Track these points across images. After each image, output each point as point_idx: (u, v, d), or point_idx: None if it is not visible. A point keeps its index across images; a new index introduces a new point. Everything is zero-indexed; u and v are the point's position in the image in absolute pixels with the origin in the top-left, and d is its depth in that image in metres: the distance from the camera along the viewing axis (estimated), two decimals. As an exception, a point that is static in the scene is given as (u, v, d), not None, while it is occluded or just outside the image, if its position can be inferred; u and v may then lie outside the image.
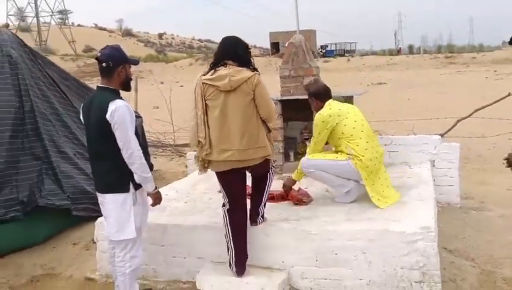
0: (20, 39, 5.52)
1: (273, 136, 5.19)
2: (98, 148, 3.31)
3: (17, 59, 5.24)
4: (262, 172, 3.74)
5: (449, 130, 7.89)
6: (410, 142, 5.50)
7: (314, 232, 3.58)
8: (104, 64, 3.27)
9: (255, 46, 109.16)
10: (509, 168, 2.70)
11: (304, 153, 5.76)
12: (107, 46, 3.46)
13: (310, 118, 5.59)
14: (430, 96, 19.60)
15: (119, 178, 3.27)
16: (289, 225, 3.72)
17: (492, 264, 4.11)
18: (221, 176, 3.65)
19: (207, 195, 4.78)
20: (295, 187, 4.49)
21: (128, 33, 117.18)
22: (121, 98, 3.30)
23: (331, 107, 4.28)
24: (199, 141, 3.57)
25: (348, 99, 5.62)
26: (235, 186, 3.65)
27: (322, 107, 4.31)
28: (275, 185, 4.19)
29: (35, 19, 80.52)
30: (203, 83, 3.54)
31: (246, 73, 3.49)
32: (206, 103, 3.54)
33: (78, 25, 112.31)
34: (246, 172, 3.67)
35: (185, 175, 7.37)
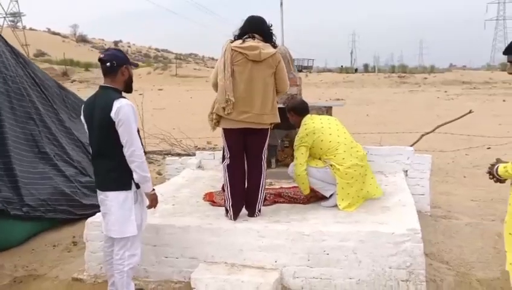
0: (3, 38, 5.43)
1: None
2: (101, 146, 3.34)
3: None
4: (259, 143, 4.16)
5: (414, 143, 8.29)
6: (385, 153, 5.77)
7: (307, 233, 3.74)
8: (108, 64, 3.33)
9: (212, 58, 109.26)
10: (493, 179, 2.95)
11: (283, 160, 5.97)
12: (109, 48, 3.57)
13: (292, 127, 5.79)
14: (387, 113, 20.32)
15: (121, 176, 3.32)
16: (283, 227, 3.85)
17: (465, 267, 4.38)
18: (230, 133, 4.09)
19: (193, 199, 4.85)
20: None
21: (82, 39, 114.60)
22: (124, 97, 3.36)
23: (306, 125, 4.49)
24: (227, 99, 3.93)
25: (328, 110, 5.87)
26: (238, 145, 4.11)
27: (300, 121, 4.55)
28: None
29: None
30: (233, 49, 3.97)
31: (271, 49, 4.04)
32: (232, 68, 3.96)
33: (30, 29, 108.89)
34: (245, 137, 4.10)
35: (160, 181, 7.40)
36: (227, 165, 4.16)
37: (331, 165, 4.36)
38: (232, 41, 4.05)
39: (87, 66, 52.25)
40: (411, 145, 8.11)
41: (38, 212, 5.06)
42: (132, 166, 3.31)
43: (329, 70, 61.58)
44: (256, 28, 4.06)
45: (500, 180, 2.84)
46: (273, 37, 4.14)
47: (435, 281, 3.96)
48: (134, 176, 3.35)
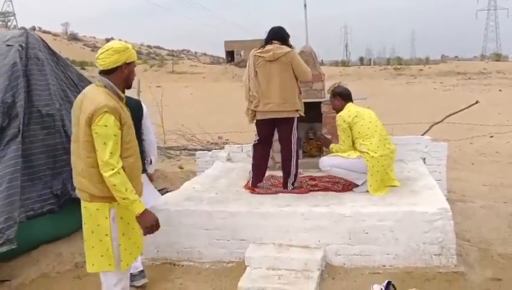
0: (45, 42, 5.79)
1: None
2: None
3: (44, 61, 5.51)
4: (287, 129, 4.95)
5: (425, 133, 8.74)
6: (405, 142, 6.20)
7: (348, 214, 4.17)
8: None
9: (205, 54, 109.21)
10: None
11: (309, 151, 6.39)
12: None
13: (315, 120, 6.22)
14: (388, 105, 20.74)
15: None
16: (325, 209, 4.28)
17: (486, 244, 4.83)
18: (260, 123, 5.01)
19: (232, 188, 5.26)
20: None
21: (74, 37, 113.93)
22: None
23: (349, 109, 4.92)
24: (251, 95, 4.90)
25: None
26: (266, 131, 5.04)
27: (343, 107, 4.94)
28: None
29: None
30: (255, 55, 4.92)
31: (285, 49, 4.82)
32: (256, 70, 4.87)
33: (21, 28, 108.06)
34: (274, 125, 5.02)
35: (186, 174, 7.82)
36: (254, 145, 5.17)
37: (363, 153, 4.76)
38: (257, 49, 4.96)
39: (83, 65, 52.33)
40: (422, 135, 8.58)
41: None
42: (155, 151, 4.29)
43: (322, 64, 62.13)
44: (273, 36, 4.94)
45: None
46: (289, 41, 4.95)
47: (462, 256, 4.40)
48: (153, 159, 4.28)
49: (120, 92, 2.97)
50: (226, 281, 4.11)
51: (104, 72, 2.96)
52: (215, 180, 5.66)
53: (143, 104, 4.26)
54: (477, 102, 8.96)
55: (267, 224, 4.30)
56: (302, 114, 5.00)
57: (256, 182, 5.12)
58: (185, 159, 9.77)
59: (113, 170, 2.77)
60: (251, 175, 5.18)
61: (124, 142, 2.87)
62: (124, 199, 2.81)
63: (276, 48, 4.82)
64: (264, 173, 5.22)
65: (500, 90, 27.28)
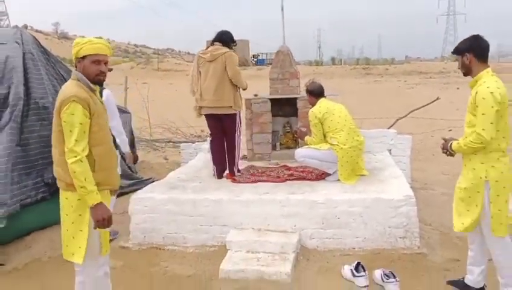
0: (37, 39, 5.64)
1: (263, 128, 5.85)
2: None
3: (37, 57, 5.39)
4: (230, 124, 5.07)
5: (390, 126, 8.82)
6: (372, 135, 6.25)
7: (321, 201, 4.19)
8: None
9: (188, 53, 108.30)
10: (446, 153, 3.37)
11: (285, 144, 6.39)
12: None
13: (292, 114, 6.23)
14: (357, 102, 20.85)
15: None
16: (300, 197, 4.29)
17: (445, 228, 4.89)
18: (206, 118, 5.15)
19: (214, 177, 5.22)
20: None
21: (64, 36, 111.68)
22: None
23: (321, 105, 4.93)
24: (193, 91, 5.07)
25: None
26: (213, 126, 5.16)
27: (315, 102, 4.96)
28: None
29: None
30: (198, 56, 5.07)
31: (223, 50, 4.94)
32: (199, 70, 5.03)
33: (14, 26, 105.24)
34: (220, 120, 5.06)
35: (171, 165, 7.75)
36: (210, 141, 5.32)
37: (334, 145, 4.78)
38: (201, 51, 5.07)
39: (72, 62, 51.26)
40: (388, 128, 8.66)
41: None
42: (120, 134, 4.53)
43: (298, 64, 62.36)
44: (216, 38, 5.03)
45: (451, 154, 3.29)
46: (230, 44, 5.03)
47: (424, 238, 4.46)
48: (118, 140, 4.44)
49: (91, 84, 2.82)
50: (209, 263, 4.09)
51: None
52: (199, 170, 5.62)
53: (105, 90, 4.30)
54: (437, 99, 9.08)
55: (247, 211, 4.29)
56: (239, 110, 5.09)
57: (221, 174, 5.19)
58: (170, 151, 9.67)
59: (75, 157, 2.64)
60: (214, 169, 5.23)
61: (92, 132, 2.75)
62: (81, 187, 2.66)
63: (214, 49, 4.93)
64: (225, 164, 5.23)
65: (458, 88, 27.60)
